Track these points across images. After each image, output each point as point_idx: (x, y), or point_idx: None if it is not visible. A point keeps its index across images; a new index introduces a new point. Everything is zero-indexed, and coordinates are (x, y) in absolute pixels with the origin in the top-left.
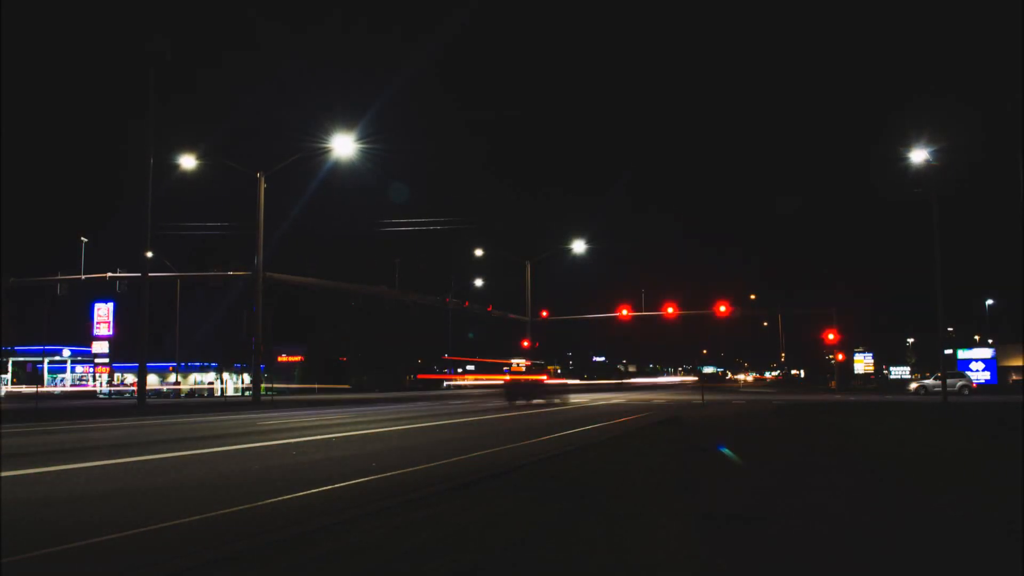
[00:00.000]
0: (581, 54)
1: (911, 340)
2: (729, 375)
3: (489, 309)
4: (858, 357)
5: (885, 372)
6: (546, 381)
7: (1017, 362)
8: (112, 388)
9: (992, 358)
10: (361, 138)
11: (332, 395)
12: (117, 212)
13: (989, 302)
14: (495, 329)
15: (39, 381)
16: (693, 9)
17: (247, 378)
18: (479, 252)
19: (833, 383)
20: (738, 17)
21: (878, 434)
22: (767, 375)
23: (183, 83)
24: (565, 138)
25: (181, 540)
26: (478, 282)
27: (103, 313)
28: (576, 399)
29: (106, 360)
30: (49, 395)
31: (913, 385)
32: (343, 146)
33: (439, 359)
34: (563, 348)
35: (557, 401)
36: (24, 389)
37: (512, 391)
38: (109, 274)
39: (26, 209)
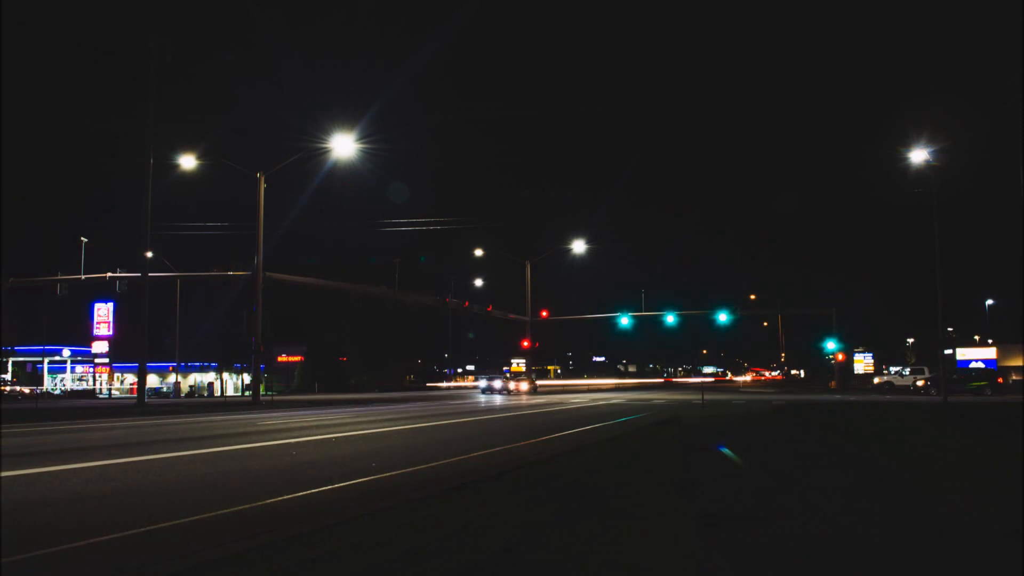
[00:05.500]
0: (582, 55)
1: (911, 340)
2: (729, 375)
3: (489, 309)
4: (858, 357)
5: (885, 372)
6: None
7: (1017, 362)
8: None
9: (992, 358)
10: (362, 137)
11: (331, 395)
12: (117, 212)
13: (989, 302)
14: (495, 329)
15: (39, 382)
16: (693, 9)
17: (247, 378)
18: (479, 252)
19: (833, 383)
20: (739, 17)
21: (878, 434)
22: (767, 374)
23: (183, 81)
24: (565, 138)
25: (181, 540)
26: (478, 282)
27: (103, 313)
28: (576, 399)
29: (106, 360)
30: (48, 394)
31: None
32: (343, 146)
33: (440, 359)
34: (563, 348)
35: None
36: (25, 389)
37: None
38: (109, 274)
39: (26, 209)
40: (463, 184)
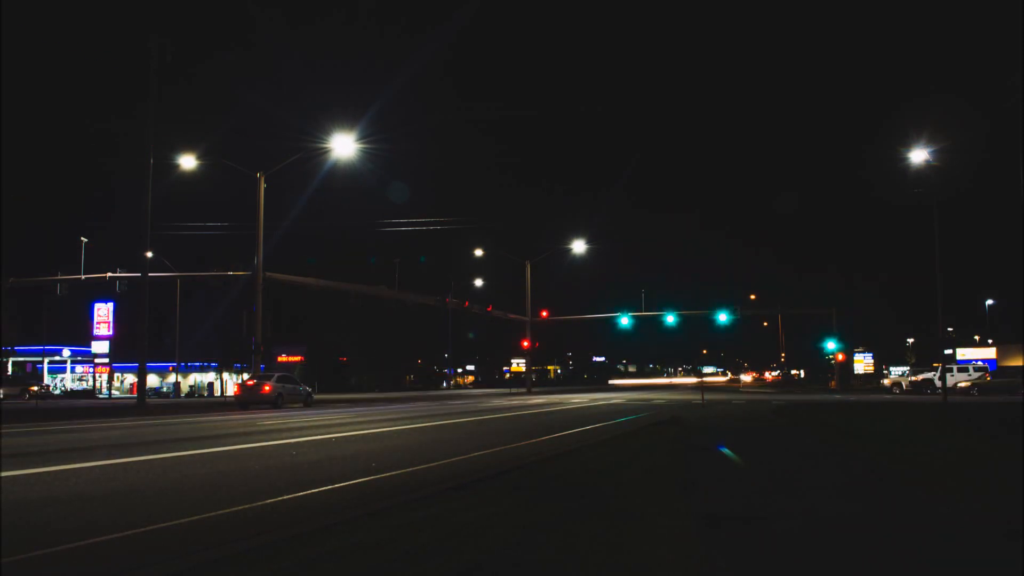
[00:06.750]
0: (582, 55)
1: (911, 340)
2: (729, 375)
3: (489, 309)
4: (858, 357)
5: (885, 372)
6: None
7: (1017, 362)
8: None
9: (992, 358)
10: (362, 137)
11: (331, 395)
12: (117, 212)
13: (989, 302)
14: (495, 329)
15: (39, 381)
16: (693, 9)
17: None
18: (479, 252)
19: (833, 383)
20: (739, 17)
21: (878, 434)
22: (767, 375)
23: (183, 81)
24: (565, 138)
25: (181, 540)
26: (478, 282)
27: (103, 313)
28: (576, 399)
29: (106, 360)
30: (49, 394)
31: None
32: (343, 146)
33: (440, 359)
34: (563, 348)
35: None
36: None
37: None
38: (109, 274)
39: (26, 209)
40: (463, 184)
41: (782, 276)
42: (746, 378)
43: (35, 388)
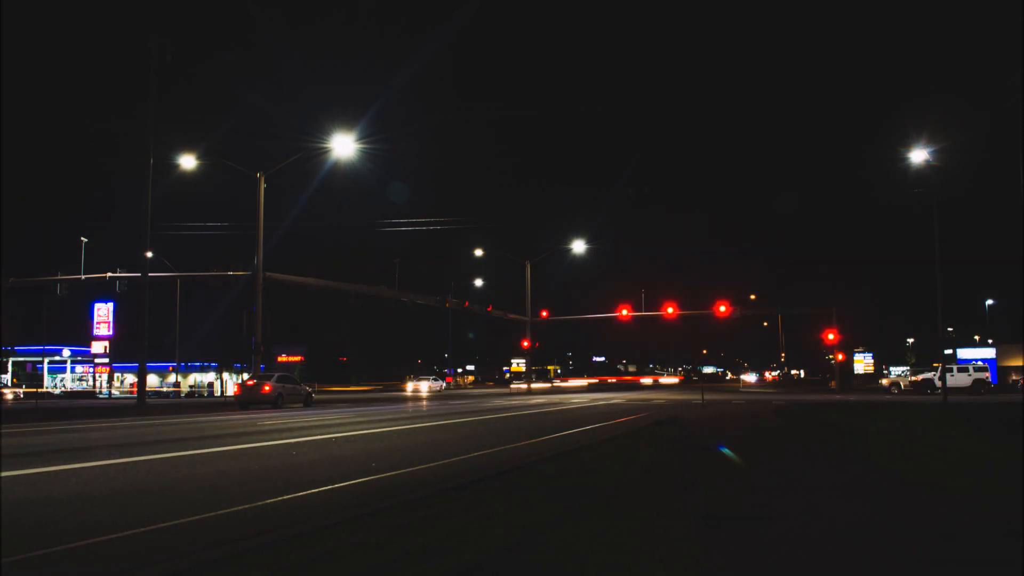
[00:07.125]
0: (582, 55)
1: (911, 340)
2: (729, 375)
3: (489, 309)
4: (858, 357)
5: (885, 372)
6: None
7: (1017, 362)
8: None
9: (992, 358)
10: (362, 137)
11: (331, 395)
12: (117, 212)
13: (989, 302)
14: (495, 329)
15: (39, 382)
16: (693, 9)
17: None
18: (479, 252)
19: (833, 383)
20: (739, 17)
21: (878, 434)
22: (767, 375)
23: (183, 81)
24: (565, 137)
25: (181, 540)
26: (478, 282)
27: (103, 313)
28: (576, 399)
29: (106, 360)
30: (48, 394)
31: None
32: (343, 146)
33: (440, 359)
34: (563, 348)
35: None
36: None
37: None
38: (109, 274)
39: (26, 209)
40: (463, 184)
41: (782, 276)
42: (748, 378)
43: (34, 389)
